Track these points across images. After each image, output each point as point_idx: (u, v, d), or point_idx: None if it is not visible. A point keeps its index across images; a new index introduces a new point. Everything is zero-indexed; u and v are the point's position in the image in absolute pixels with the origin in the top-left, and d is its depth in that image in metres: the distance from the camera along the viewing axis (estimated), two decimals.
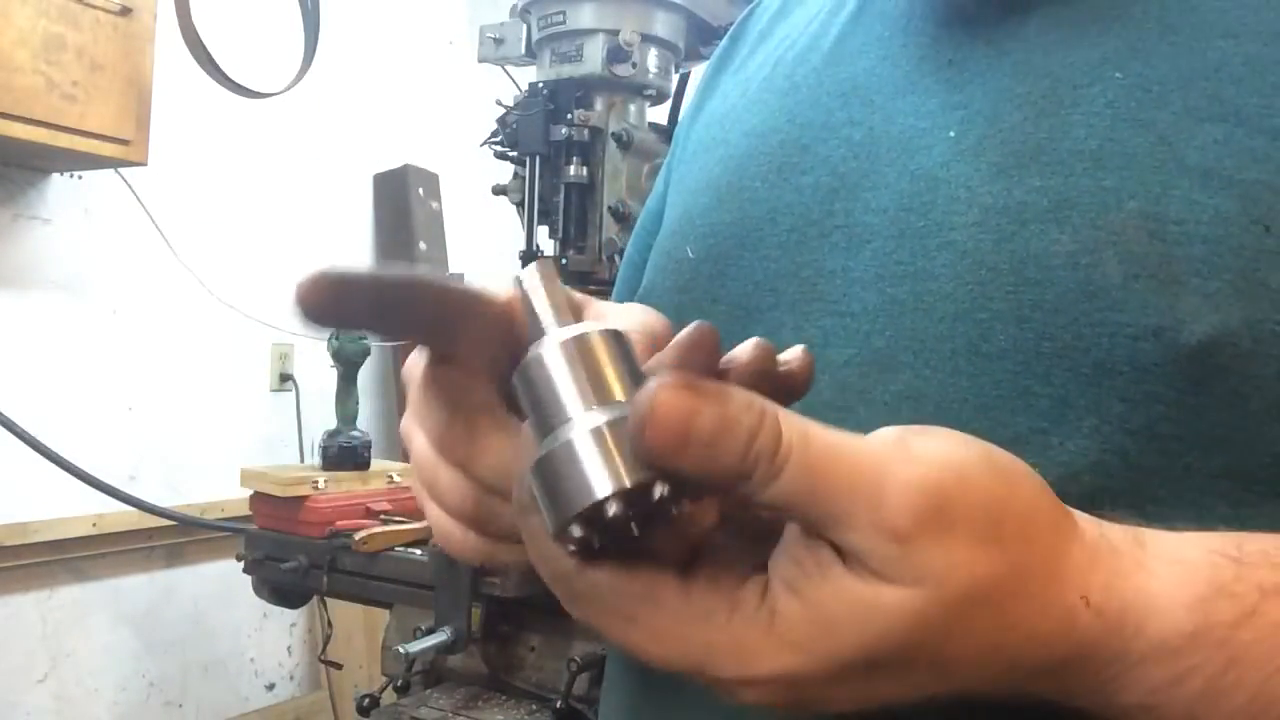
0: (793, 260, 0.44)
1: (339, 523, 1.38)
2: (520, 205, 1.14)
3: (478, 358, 0.33)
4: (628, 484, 0.27)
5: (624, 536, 0.28)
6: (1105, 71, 0.38)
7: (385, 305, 0.31)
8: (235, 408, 2.53)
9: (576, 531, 0.28)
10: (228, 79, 1.74)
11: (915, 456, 0.28)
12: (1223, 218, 0.33)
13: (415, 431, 0.36)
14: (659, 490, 0.27)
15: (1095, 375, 0.34)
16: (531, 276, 0.33)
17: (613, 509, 0.27)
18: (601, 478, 0.27)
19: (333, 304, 0.29)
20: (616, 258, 1.13)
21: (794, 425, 0.27)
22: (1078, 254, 0.35)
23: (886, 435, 0.29)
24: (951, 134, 0.41)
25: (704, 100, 0.59)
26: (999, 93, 0.41)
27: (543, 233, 1.14)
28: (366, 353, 1.52)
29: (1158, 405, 0.33)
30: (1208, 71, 0.35)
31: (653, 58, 1.14)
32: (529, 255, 1.13)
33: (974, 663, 0.28)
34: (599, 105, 1.13)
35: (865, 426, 0.30)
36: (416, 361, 0.36)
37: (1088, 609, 0.29)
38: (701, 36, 1.18)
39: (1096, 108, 0.37)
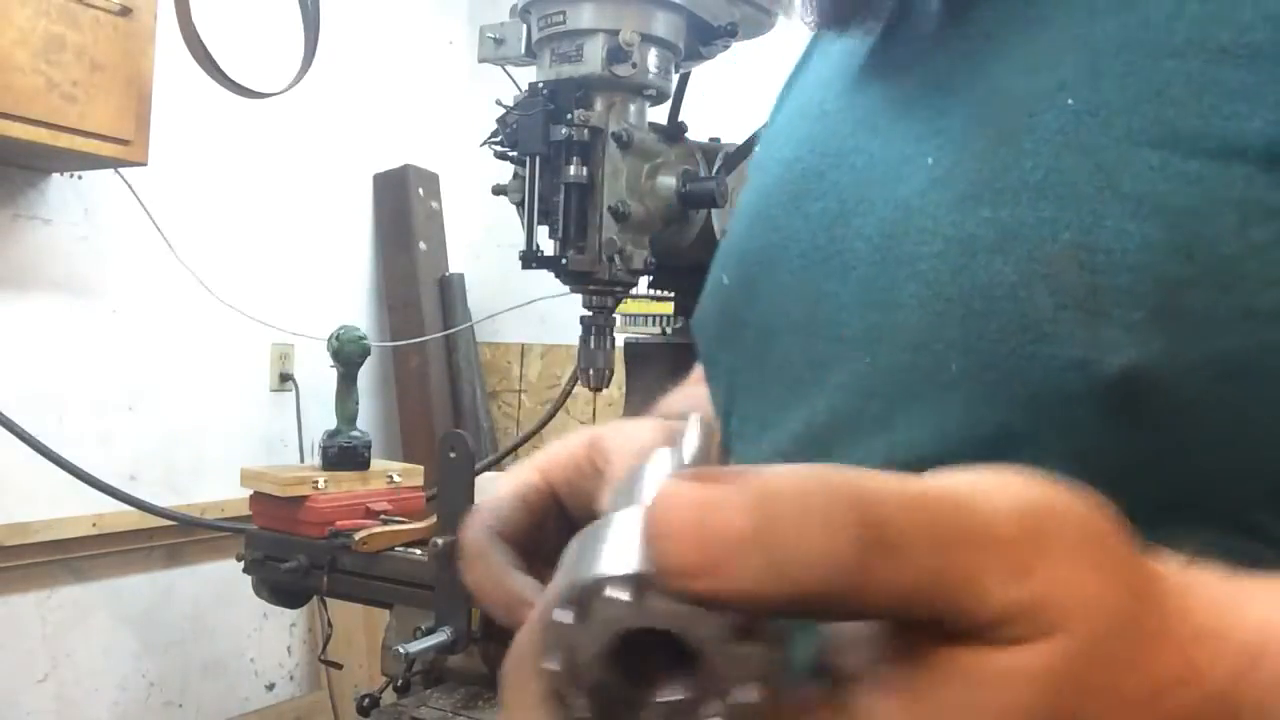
0: (801, 285, 0.45)
1: (339, 523, 1.38)
2: (520, 205, 1.14)
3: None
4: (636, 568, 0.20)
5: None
6: (1060, 98, 0.37)
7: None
8: (235, 408, 2.53)
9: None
10: (227, 79, 1.74)
11: (985, 489, 0.23)
12: (1149, 246, 0.33)
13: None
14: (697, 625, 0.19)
15: (1031, 405, 0.35)
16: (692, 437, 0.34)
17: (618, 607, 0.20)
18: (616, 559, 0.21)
19: None
20: (617, 258, 1.12)
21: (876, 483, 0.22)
22: (1017, 286, 0.35)
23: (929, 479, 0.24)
24: (930, 160, 0.41)
25: (774, 111, 0.59)
26: (971, 118, 0.40)
27: (543, 233, 1.14)
28: (366, 353, 1.52)
29: (1087, 436, 0.34)
30: (1151, 94, 0.35)
31: (653, 58, 1.14)
32: (529, 255, 1.13)
33: None
34: (599, 105, 1.13)
35: (851, 457, 0.30)
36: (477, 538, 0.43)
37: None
38: (701, 36, 1.18)
39: (1047, 135, 0.37)
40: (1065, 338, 0.34)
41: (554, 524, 0.45)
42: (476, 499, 1.19)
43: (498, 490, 0.46)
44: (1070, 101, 0.37)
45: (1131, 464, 0.33)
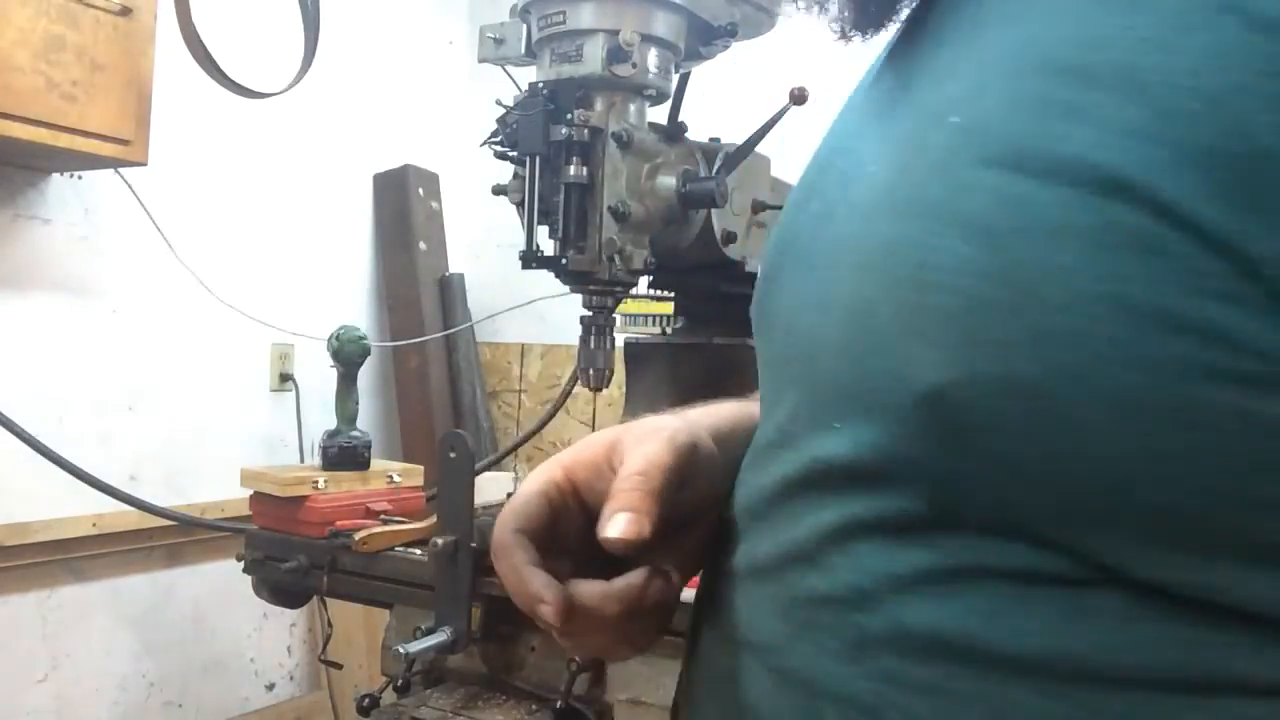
0: (793, 283, 0.47)
1: (339, 523, 1.37)
2: (520, 205, 1.14)
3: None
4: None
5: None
6: (949, 113, 0.37)
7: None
8: (235, 408, 2.53)
9: None
10: (227, 79, 1.74)
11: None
12: (970, 268, 0.33)
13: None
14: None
15: (870, 415, 0.38)
16: None
17: None
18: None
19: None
20: (617, 258, 1.12)
21: None
22: (876, 302, 0.37)
23: None
24: (871, 169, 0.42)
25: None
26: (901, 129, 0.41)
27: (543, 233, 1.13)
28: (366, 353, 1.51)
29: (910, 448, 0.36)
30: (1007, 113, 0.34)
31: (653, 58, 1.14)
32: (529, 255, 1.13)
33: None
34: (599, 105, 1.13)
35: (801, 458, 0.41)
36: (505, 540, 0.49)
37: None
38: (702, 36, 1.18)
39: (930, 152, 0.37)
40: (896, 354, 0.36)
41: (575, 518, 0.50)
42: (476, 499, 1.19)
43: (525, 487, 0.50)
44: (954, 119, 0.37)
45: (953, 479, 0.35)
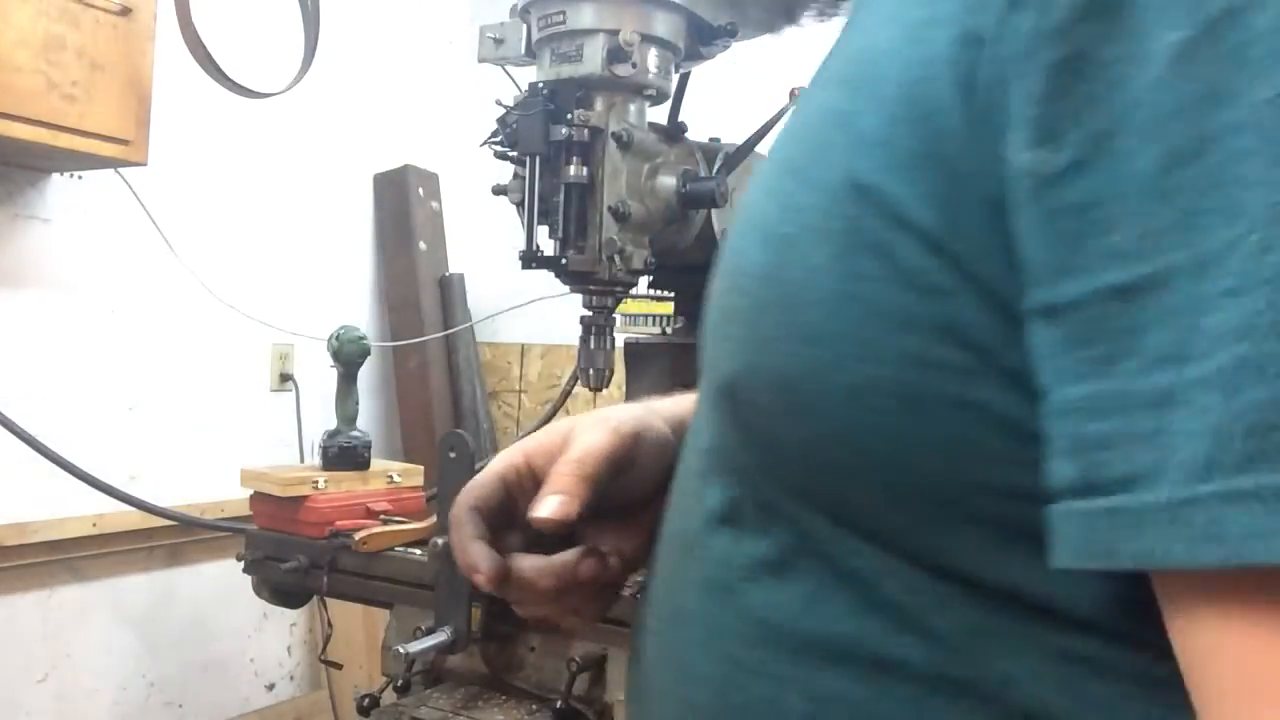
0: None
1: (339, 523, 1.37)
2: (520, 205, 1.14)
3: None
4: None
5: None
6: (793, 121, 0.40)
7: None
8: (235, 408, 2.53)
9: None
10: (228, 79, 1.74)
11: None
12: (759, 271, 0.36)
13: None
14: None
15: (709, 407, 0.43)
16: None
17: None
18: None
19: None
20: (617, 258, 1.12)
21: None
22: (713, 304, 0.41)
23: None
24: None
25: None
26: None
27: (543, 233, 1.13)
28: (366, 353, 1.51)
29: (725, 439, 0.41)
30: (805, 121, 0.37)
31: (653, 58, 1.14)
32: (529, 255, 1.13)
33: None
34: (599, 105, 1.13)
35: (699, 433, 0.45)
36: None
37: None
38: (701, 36, 1.18)
39: (766, 163, 0.41)
40: (714, 352, 0.40)
41: (531, 498, 0.53)
42: None
43: (487, 469, 0.56)
44: (792, 127, 0.40)
45: (753, 468, 0.39)
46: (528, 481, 0.54)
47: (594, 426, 0.54)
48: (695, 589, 0.42)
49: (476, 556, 0.51)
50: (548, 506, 0.50)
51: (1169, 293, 0.26)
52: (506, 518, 0.54)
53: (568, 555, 0.52)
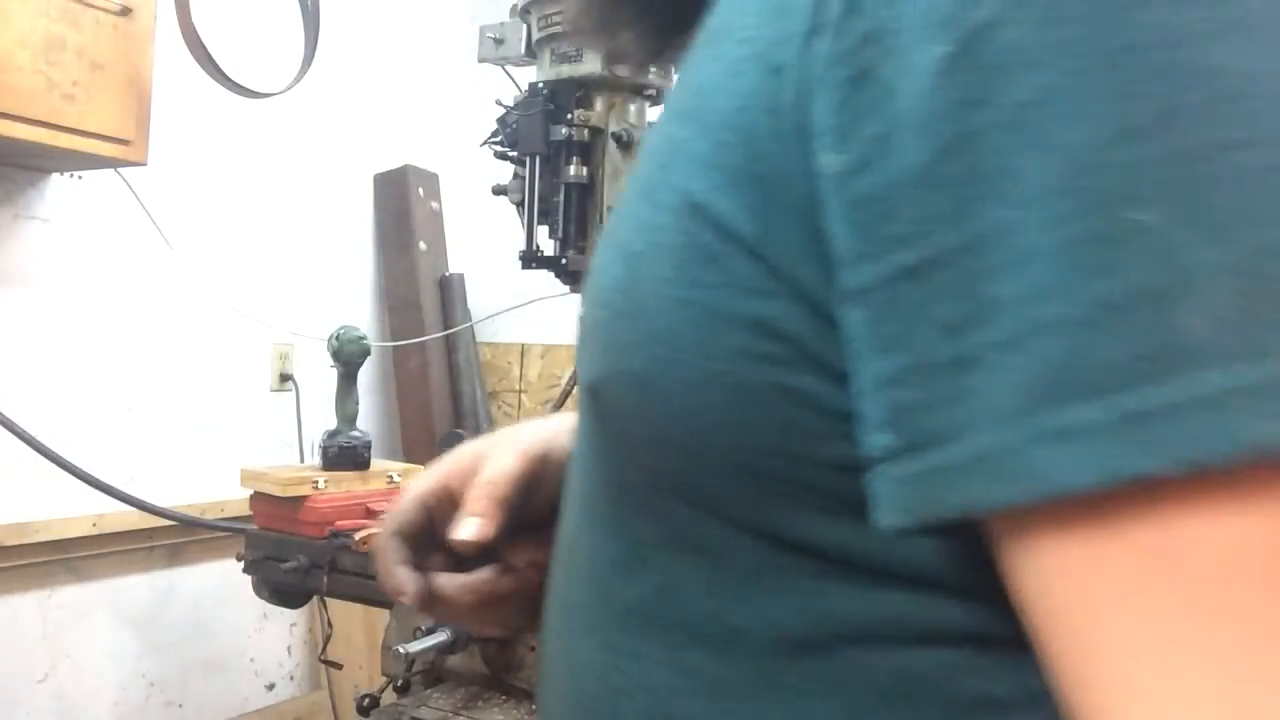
0: None
1: (339, 523, 1.38)
2: (520, 205, 1.14)
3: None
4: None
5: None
6: (644, 149, 0.44)
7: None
8: (235, 408, 2.53)
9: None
10: (228, 79, 1.74)
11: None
12: (617, 285, 0.39)
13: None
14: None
15: (580, 401, 0.46)
16: None
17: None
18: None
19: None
20: None
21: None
22: (582, 316, 0.44)
23: None
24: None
25: None
26: None
27: (543, 233, 1.14)
28: (366, 353, 1.52)
29: (596, 438, 0.44)
30: (652, 149, 0.41)
31: None
32: (529, 255, 1.13)
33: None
34: (599, 105, 1.13)
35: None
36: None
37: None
38: None
39: (629, 184, 0.44)
40: (581, 359, 0.43)
41: (450, 519, 0.57)
42: None
43: (407, 494, 0.59)
44: (644, 154, 0.43)
45: (618, 462, 0.42)
46: (446, 504, 0.58)
47: (505, 449, 0.58)
48: (577, 583, 0.46)
49: (401, 579, 0.55)
50: (466, 529, 0.54)
51: (949, 270, 0.29)
52: (429, 539, 0.58)
53: (484, 573, 0.57)
